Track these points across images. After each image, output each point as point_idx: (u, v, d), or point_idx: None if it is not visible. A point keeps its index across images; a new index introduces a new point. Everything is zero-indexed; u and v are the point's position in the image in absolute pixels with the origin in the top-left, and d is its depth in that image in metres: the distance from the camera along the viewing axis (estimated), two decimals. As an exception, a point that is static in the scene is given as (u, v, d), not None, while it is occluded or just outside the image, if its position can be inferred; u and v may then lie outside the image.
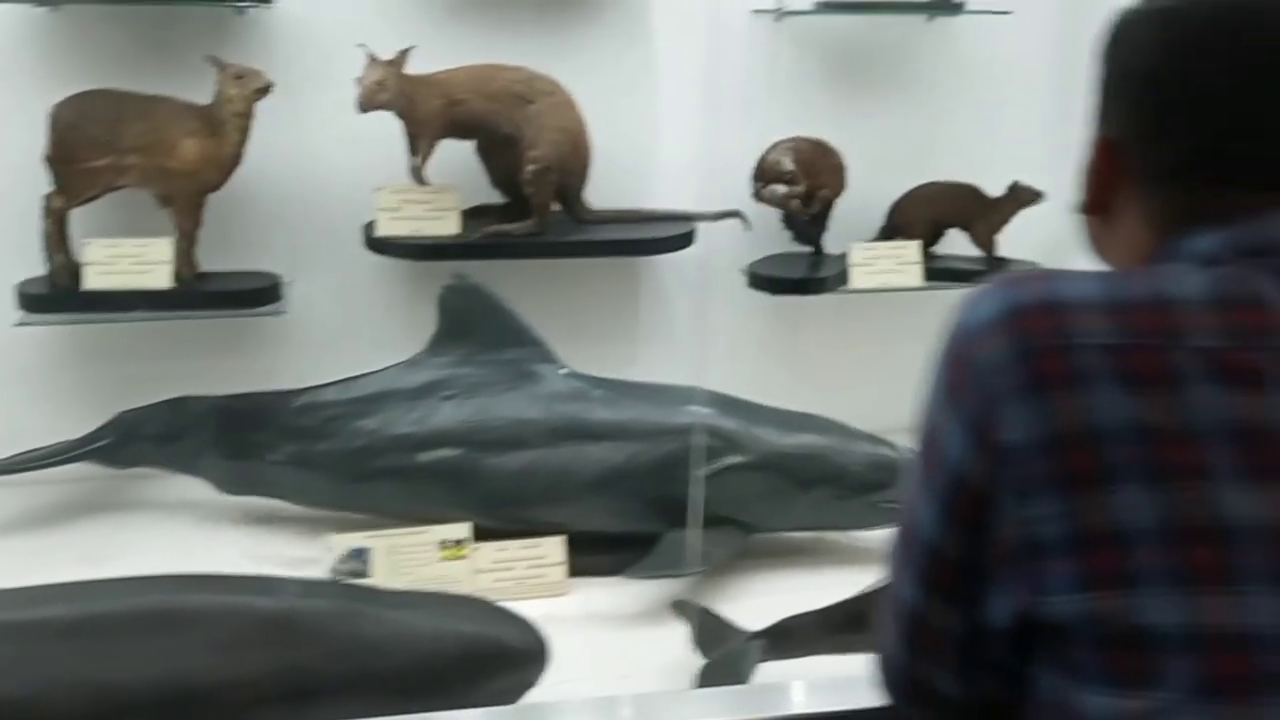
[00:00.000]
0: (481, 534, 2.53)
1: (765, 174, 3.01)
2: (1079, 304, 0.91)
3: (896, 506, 1.02)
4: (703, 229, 3.01)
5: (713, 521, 2.56)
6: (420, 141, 2.83)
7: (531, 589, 2.48)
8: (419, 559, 2.45)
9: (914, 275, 3.04)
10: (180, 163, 2.73)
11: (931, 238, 3.14)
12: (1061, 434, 0.88)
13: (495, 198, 3.00)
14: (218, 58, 2.73)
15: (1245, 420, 0.87)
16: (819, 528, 2.70)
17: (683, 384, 2.69)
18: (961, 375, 0.94)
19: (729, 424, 2.65)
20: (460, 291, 2.72)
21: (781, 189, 2.99)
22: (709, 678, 2.13)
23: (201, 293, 2.80)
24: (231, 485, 2.75)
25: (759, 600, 2.42)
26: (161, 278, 2.74)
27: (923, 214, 3.14)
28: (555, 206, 2.94)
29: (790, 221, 3.11)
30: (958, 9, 3.09)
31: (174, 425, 2.75)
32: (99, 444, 2.77)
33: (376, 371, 2.72)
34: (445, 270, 2.76)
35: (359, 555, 2.42)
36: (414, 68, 2.77)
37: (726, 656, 2.16)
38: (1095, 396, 0.88)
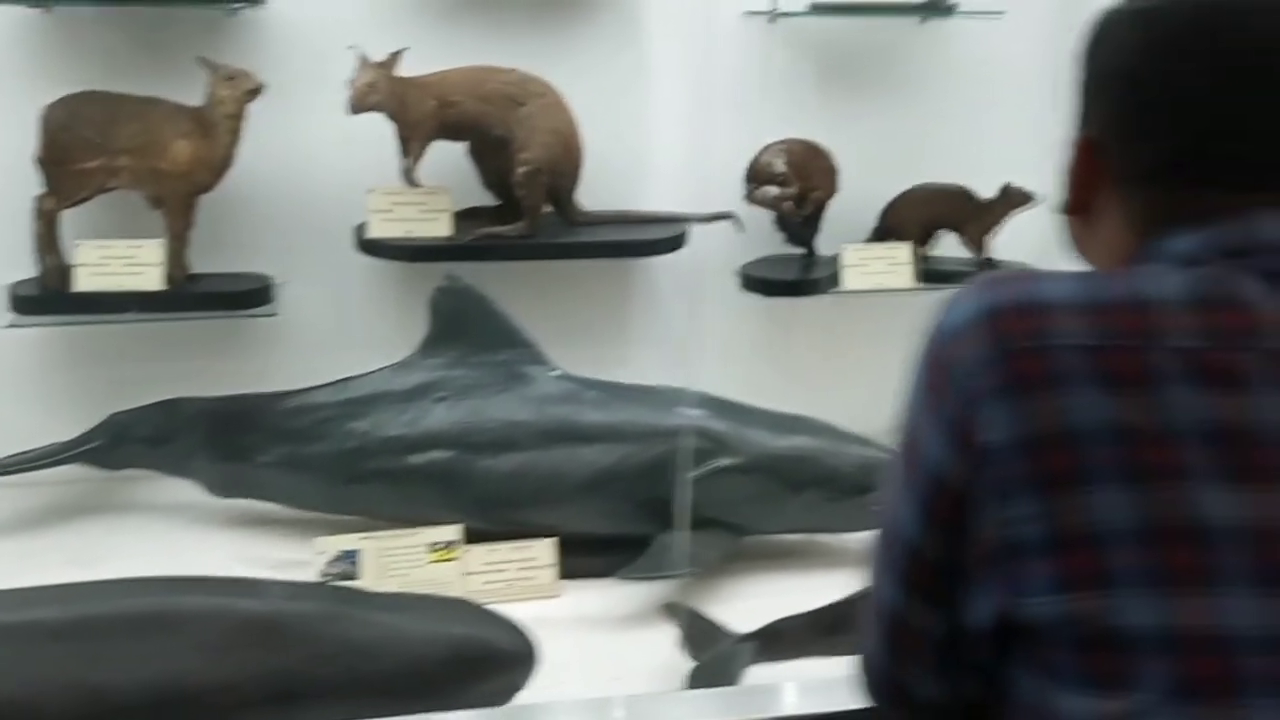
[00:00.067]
0: (473, 536, 2.52)
1: (758, 176, 3.01)
2: (1058, 305, 0.91)
3: (877, 508, 1.02)
4: (695, 231, 3.01)
5: (704, 524, 2.55)
6: (412, 143, 2.83)
7: (522, 591, 2.48)
8: (409, 561, 2.44)
9: (906, 277, 3.04)
10: (172, 164, 2.72)
11: (923, 239, 3.14)
12: (1040, 435, 0.88)
13: (487, 200, 3.00)
14: (209, 59, 2.73)
15: (1224, 421, 0.87)
16: (810, 530, 2.70)
17: (675, 386, 2.69)
18: (941, 376, 0.94)
19: (720, 426, 2.65)
20: (452, 293, 2.72)
21: (774, 191, 2.98)
22: (698, 680, 2.13)
23: (193, 294, 2.80)
24: (222, 487, 2.75)
25: (750, 603, 2.41)
26: (153, 279, 2.74)
27: (915, 216, 3.14)
28: (547, 208, 2.94)
29: (782, 223, 3.11)
30: (950, 11, 3.09)
31: (165, 427, 2.74)
32: (90, 446, 2.77)
33: (368, 373, 2.72)
34: (437, 272, 2.75)
35: (349, 558, 2.42)
36: (406, 70, 2.77)
37: (716, 659, 2.15)
38: (1073, 397, 0.88)
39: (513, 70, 2.89)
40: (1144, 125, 0.99)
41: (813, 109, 3.15)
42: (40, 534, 2.72)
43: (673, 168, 3.04)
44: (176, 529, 2.74)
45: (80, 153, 2.68)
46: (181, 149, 2.72)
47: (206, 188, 2.78)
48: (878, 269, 3.05)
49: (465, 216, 2.91)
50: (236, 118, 2.73)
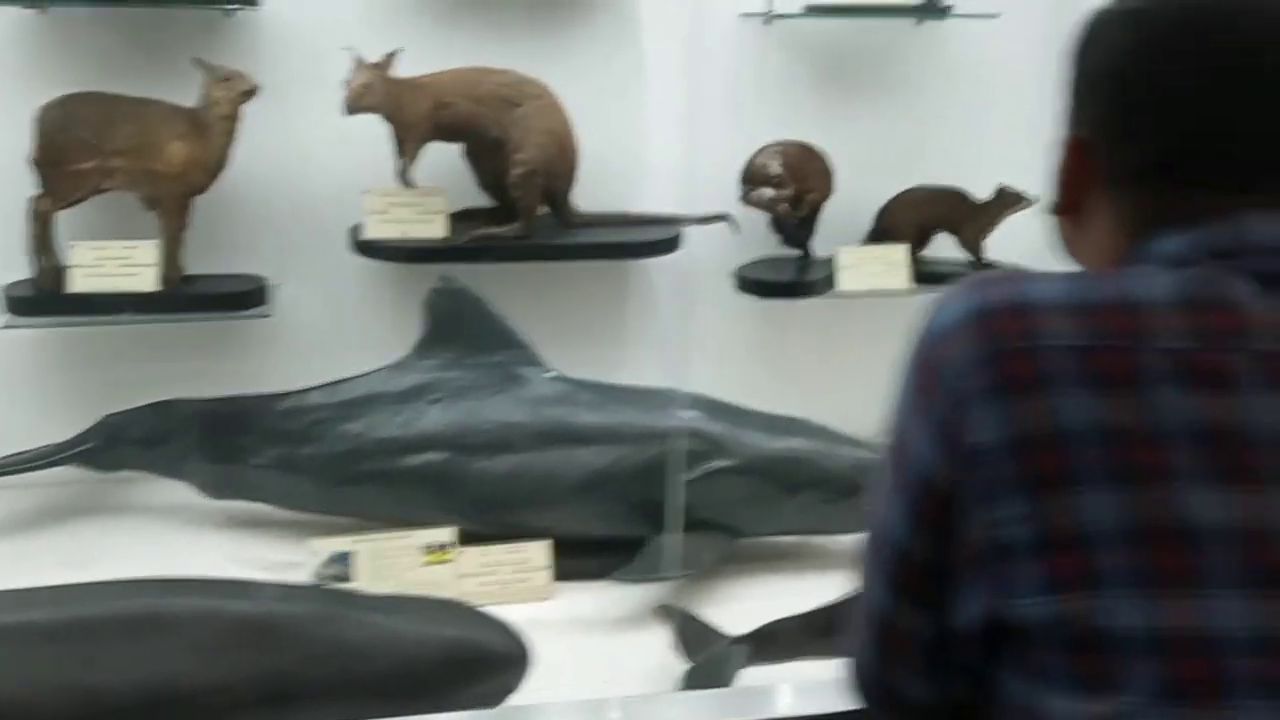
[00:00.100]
0: (468, 538, 2.52)
1: (753, 177, 3.01)
2: (1046, 306, 0.91)
3: (867, 509, 1.02)
4: (690, 232, 3.01)
5: (698, 526, 2.55)
6: (407, 144, 2.83)
7: (516, 593, 2.47)
8: (403, 563, 2.44)
9: (901, 278, 3.04)
10: (167, 165, 2.72)
11: (919, 241, 3.14)
12: (1028, 436, 0.88)
13: (483, 201, 3.00)
14: (204, 60, 2.73)
15: (1212, 422, 0.87)
16: (805, 532, 2.69)
17: (670, 388, 2.69)
18: (929, 378, 0.94)
19: (715, 427, 2.64)
20: (447, 294, 2.72)
21: (769, 192, 2.98)
22: (693, 682, 2.13)
23: (188, 295, 2.79)
24: (217, 489, 2.74)
25: (745, 604, 2.41)
26: (148, 280, 2.74)
27: (911, 218, 3.14)
28: (543, 210, 2.94)
29: (778, 225, 3.11)
30: (945, 13, 3.09)
31: (159, 429, 2.74)
32: (84, 447, 2.77)
33: (362, 375, 2.72)
34: (433, 273, 2.75)
35: (342, 559, 2.41)
36: (402, 71, 2.77)
37: (710, 661, 2.15)
38: (1063, 398, 0.88)
39: (508, 71, 2.89)
40: (1133, 126, 0.99)
41: (808, 111, 3.16)
42: (34, 535, 2.72)
43: (668, 169, 3.04)
44: (170, 530, 2.73)
45: (75, 154, 2.68)
46: (176, 150, 2.72)
47: (201, 189, 2.77)
48: (873, 271, 3.05)
49: (461, 218, 2.91)
50: (231, 119, 2.73)
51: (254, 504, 2.74)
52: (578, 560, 2.54)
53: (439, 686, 1.91)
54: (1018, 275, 0.96)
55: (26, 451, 2.76)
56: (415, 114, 2.80)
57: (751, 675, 2.10)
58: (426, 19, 2.97)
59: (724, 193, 3.00)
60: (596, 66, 3.05)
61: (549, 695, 1.94)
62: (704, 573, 2.56)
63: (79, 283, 2.71)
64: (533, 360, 2.71)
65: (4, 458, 2.75)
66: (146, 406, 2.76)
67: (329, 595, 2.14)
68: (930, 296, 0.99)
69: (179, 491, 2.76)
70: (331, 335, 2.98)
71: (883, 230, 3.15)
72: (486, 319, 2.72)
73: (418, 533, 2.48)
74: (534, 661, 1.99)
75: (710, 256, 3.07)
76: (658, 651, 2.23)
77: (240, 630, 1.88)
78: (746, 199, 3.00)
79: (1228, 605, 0.83)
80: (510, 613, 2.12)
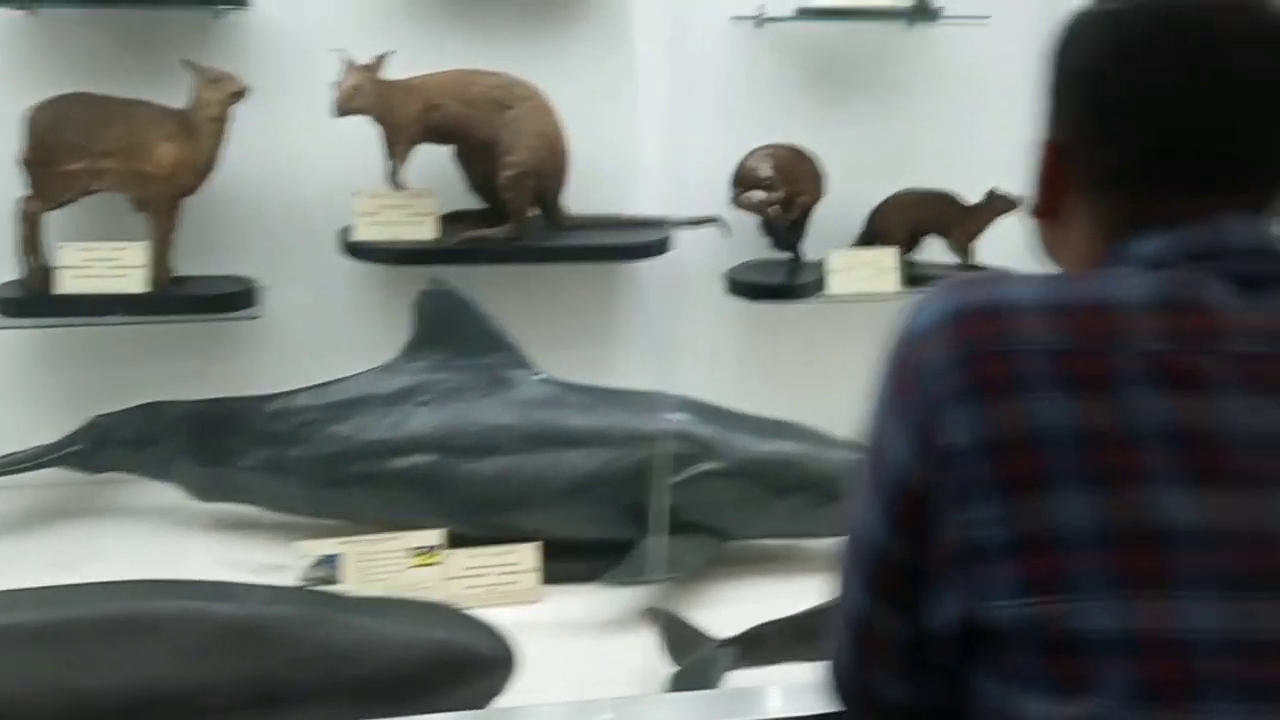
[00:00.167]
0: (456, 540, 2.52)
1: (744, 180, 3.00)
2: (1022, 308, 0.91)
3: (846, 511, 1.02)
4: (681, 235, 3.01)
5: (687, 528, 2.55)
6: (397, 146, 2.83)
7: (504, 596, 2.47)
8: (390, 566, 2.44)
9: (891, 282, 3.04)
10: (156, 167, 2.72)
11: (909, 245, 3.14)
12: (1002, 438, 0.88)
13: (473, 203, 3.00)
14: (194, 62, 2.73)
15: (1186, 424, 0.87)
16: (794, 535, 2.69)
17: (659, 390, 2.69)
18: (906, 379, 0.94)
19: (704, 430, 2.64)
20: (436, 296, 2.72)
21: (760, 195, 2.98)
22: (679, 685, 2.13)
23: (177, 297, 2.79)
24: (204, 491, 2.74)
25: (733, 607, 2.41)
26: (136, 282, 2.73)
27: (901, 221, 3.14)
28: (533, 212, 2.93)
29: (768, 227, 3.11)
30: (936, 16, 3.09)
31: (147, 431, 2.73)
32: (72, 449, 2.76)
33: (351, 377, 2.71)
34: (422, 275, 2.75)
35: (330, 562, 2.41)
36: (393, 73, 2.77)
37: (696, 664, 2.15)
38: (1036, 400, 0.88)
39: (499, 74, 2.89)
40: (1110, 127, 0.99)
41: (799, 114, 3.16)
42: (21, 537, 2.71)
43: (659, 172, 3.04)
44: (158, 533, 2.73)
45: (65, 155, 2.68)
46: (166, 151, 2.71)
47: (190, 190, 2.77)
48: (863, 274, 3.05)
49: (451, 220, 2.91)
50: (221, 120, 2.73)
51: (242, 506, 2.73)
52: (566, 563, 2.54)
53: (425, 689, 1.91)
54: (995, 277, 0.96)
55: (14, 453, 2.75)
56: (405, 116, 2.80)
57: (738, 678, 2.10)
58: (417, 21, 2.97)
59: (714, 195, 3.00)
60: (587, 69, 3.05)
61: (536, 698, 1.94)
62: (692, 575, 2.55)
63: (67, 284, 2.71)
64: (522, 362, 2.71)
65: (-8, 459, 2.75)
66: (134, 408, 2.75)
67: (315, 598, 2.14)
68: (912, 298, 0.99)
69: (167, 493, 2.76)
70: (321, 337, 2.97)
71: (873, 233, 3.15)
72: (476, 321, 2.72)
73: (405, 535, 2.48)
74: (520, 664, 1.99)
75: (700, 259, 3.07)
76: (645, 655, 2.22)
77: (226, 633, 1.88)
78: (737, 201, 3.00)
79: (1201, 607, 0.83)
80: (498, 615, 2.11)
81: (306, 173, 2.92)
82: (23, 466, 2.75)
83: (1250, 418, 0.87)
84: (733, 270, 3.10)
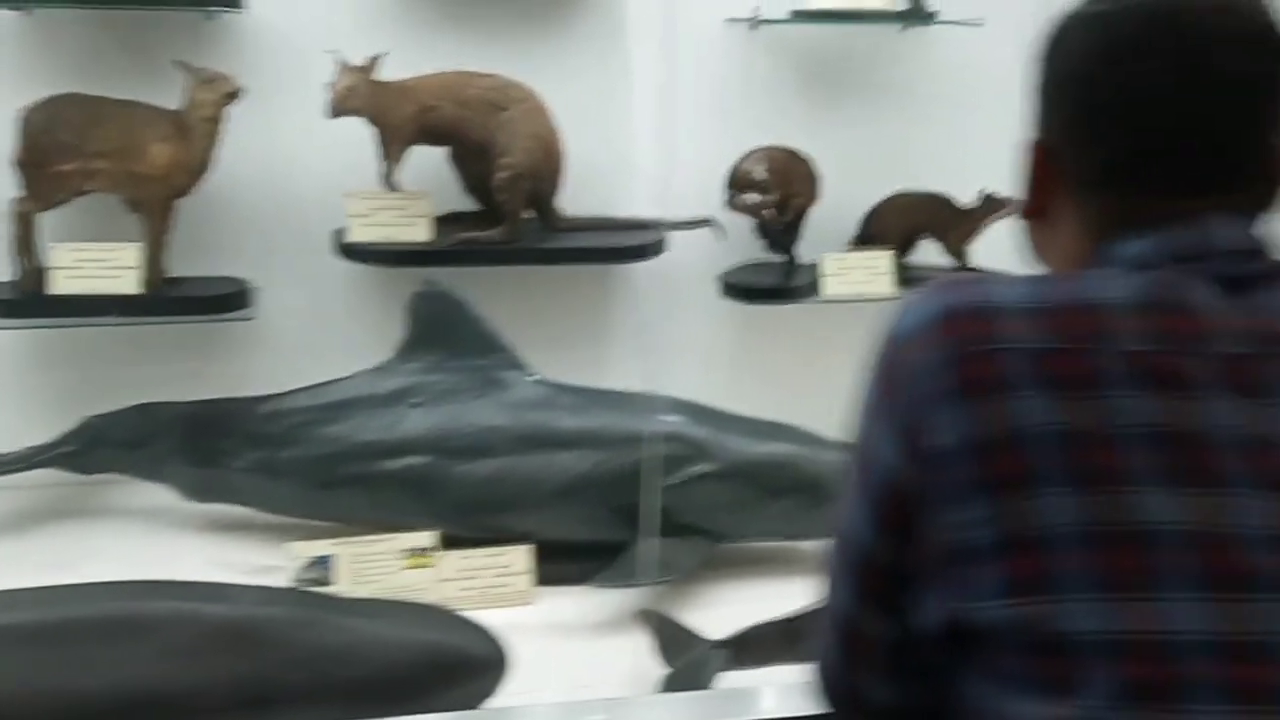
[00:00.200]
0: (449, 542, 2.51)
1: (738, 182, 3.01)
2: (1008, 309, 0.91)
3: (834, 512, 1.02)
4: (676, 237, 3.01)
5: (680, 530, 2.55)
6: (391, 148, 2.83)
7: (497, 598, 2.47)
8: (383, 567, 2.43)
9: (886, 284, 3.04)
10: (150, 168, 2.71)
11: (904, 247, 3.14)
12: (988, 439, 0.88)
13: (468, 205, 2.99)
14: (187, 63, 2.73)
15: (1170, 425, 0.87)
16: (788, 537, 2.69)
17: (653, 392, 2.69)
18: (892, 381, 0.94)
19: (698, 432, 2.64)
20: (430, 298, 2.72)
21: (754, 197, 2.98)
22: (671, 687, 2.13)
23: (170, 298, 2.78)
24: (197, 492, 2.74)
25: (727, 609, 2.40)
26: (130, 283, 2.73)
27: (896, 223, 3.14)
28: (528, 214, 2.93)
29: (763, 230, 3.11)
30: (930, 19, 3.09)
31: (140, 431, 2.73)
32: (65, 450, 2.75)
33: (344, 378, 2.71)
34: (416, 277, 2.75)
35: (323, 563, 2.41)
36: (388, 74, 2.77)
37: (688, 665, 2.15)
38: (1021, 401, 0.88)
39: (494, 75, 2.89)
40: (1098, 128, 0.99)
41: (794, 116, 3.16)
42: (14, 538, 2.71)
43: (654, 174, 3.03)
44: (151, 534, 2.72)
45: (58, 155, 2.67)
46: (160, 152, 2.71)
47: (184, 191, 2.77)
48: (858, 276, 3.05)
49: (446, 221, 2.91)
50: (215, 121, 2.73)
51: (235, 507, 2.73)
52: (559, 565, 2.54)
53: (417, 691, 1.91)
54: (982, 278, 0.96)
55: (7, 454, 2.75)
56: (400, 117, 2.80)
57: (730, 680, 2.10)
58: (412, 22, 2.97)
59: (709, 197, 3.00)
60: (582, 71, 3.05)
61: (529, 699, 1.94)
62: (685, 577, 2.55)
63: (61, 285, 2.71)
64: (515, 364, 2.71)
65: (-15, 460, 2.74)
66: (127, 409, 2.75)
67: (308, 599, 2.14)
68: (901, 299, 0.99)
69: (160, 494, 2.76)
70: (314, 338, 2.97)
71: (868, 236, 3.16)
72: (469, 323, 2.72)
73: (398, 537, 2.47)
74: (512, 666, 1.99)
75: (695, 261, 3.07)
76: (638, 656, 2.22)
77: (218, 634, 1.88)
78: (731, 204, 3.00)
79: (1185, 608, 0.83)
80: (491, 617, 2.11)
81: (301, 174, 2.92)
82: (16, 467, 2.75)
83: (1233, 419, 0.87)
84: (727, 272, 3.10)
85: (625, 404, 2.69)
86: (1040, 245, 1.07)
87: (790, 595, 2.10)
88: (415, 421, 2.64)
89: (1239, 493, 0.86)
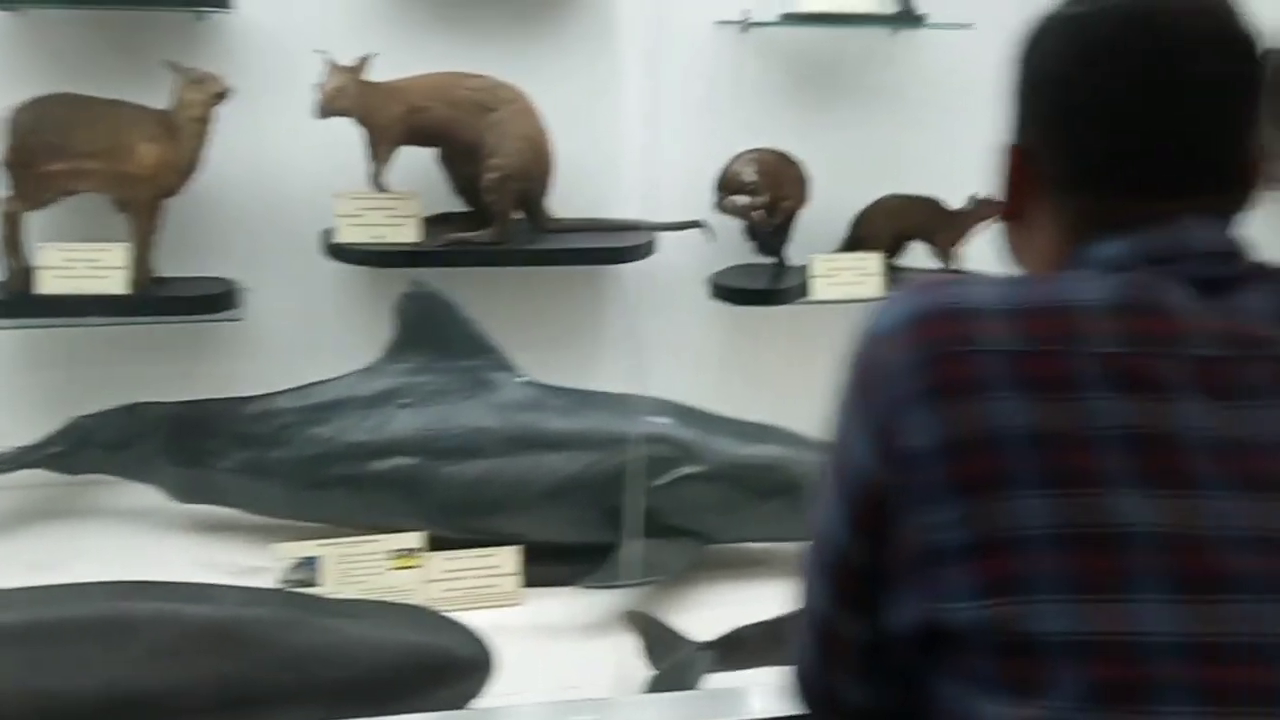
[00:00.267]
0: (437, 543, 2.51)
1: (728, 185, 3.01)
2: (983, 310, 0.91)
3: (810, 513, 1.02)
4: (665, 239, 3.01)
5: (668, 532, 2.55)
6: (380, 148, 2.82)
7: (484, 599, 2.46)
8: (370, 568, 2.43)
9: (875, 287, 3.04)
10: (138, 168, 2.71)
11: (894, 249, 3.14)
12: (962, 440, 0.88)
13: (457, 206, 2.99)
14: (176, 63, 2.72)
15: (1144, 427, 0.87)
16: (775, 538, 2.68)
17: (642, 394, 2.69)
18: (867, 381, 0.94)
19: (686, 433, 2.64)
20: (418, 299, 2.71)
21: (744, 200, 2.98)
22: (658, 688, 2.12)
23: (158, 298, 2.78)
24: (184, 493, 2.73)
25: (714, 611, 2.40)
26: (118, 283, 2.72)
27: (885, 226, 3.14)
28: (517, 215, 2.93)
29: (753, 232, 3.11)
30: (920, 22, 3.10)
31: (127, 432, 2.72)
32: (52, 450, 2.74)
33: (332, 379, 2.71)
34: (405, 278, 2.74)
35: (309, 564, 2.40)
36: (377, 75, 2.77)
37: (675, 666, 2.15)
38: (995, 402, 0.88)
39: (483, 76, 2.89)
40: (1075, 130, 0.99)
41: (784, 118, 3.16)
42: (1, 538, 2.70)
43: (643, 176, 3.03)
44: (138, 534, 2.71)
45: (46, 155, 2.67)
46: (148, 152, 2.71)
47: (172, 191, 2.76)
48: (847, 279, 3.05)
49: (434, 222, 2.91)
50: (203, 121, 2.72)
51: (222, 508, 2.72)
52: (547, 566, 2.53)
53: (401, 692, 1.90)
54: (957, 279, 0.96)
55: (-6, 454, 2.75)
56: (388, 118, 2.80)
57: (717, 681, 2.10)
58: (401, 23, 2.97)
59: (699, 200, 3.00)
60: (572, 72, 3.05)
61: (516, 699, 1.93)
62: (673, 579, 2.55)
63: (48, 284, 2.70)
64: (504, 365, 2.71)
65: (-29, 460, 2.74)
66: (115, 410, 2.74)
67: (292, 600, 2.14)
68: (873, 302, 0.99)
69: (147, 495, 2.75)
70: (302, 339, 2.96)
71: (857, 238, 3.16)
72: (458, 324, 2.72)
73: (385, 538, 2.47)
74: (498, 667, 1.99)
75: (684, 263, 3.07)
76: (624, 658, 2.22)
77: (202, 634, 1.87)
78: (721, 206, 3.00)
79: (1155, 610, 0.83)
80: (478, 618, 2.11)
81: (289, 174, 2.92)
82: (3, 468, 2.74)
83: (1207, 421, 0.87)
84: (716, 274, 3.10)
85: (614, 406, 2.69)
86: (1018, 247, 1.08)
87: (777, 597, 2.09)
88: (403, 422, 2.64)
89: (1212, 495, 0.86)
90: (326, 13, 2.91)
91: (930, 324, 0.91)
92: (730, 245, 3.10)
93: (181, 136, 2.72)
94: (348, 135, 2.79)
